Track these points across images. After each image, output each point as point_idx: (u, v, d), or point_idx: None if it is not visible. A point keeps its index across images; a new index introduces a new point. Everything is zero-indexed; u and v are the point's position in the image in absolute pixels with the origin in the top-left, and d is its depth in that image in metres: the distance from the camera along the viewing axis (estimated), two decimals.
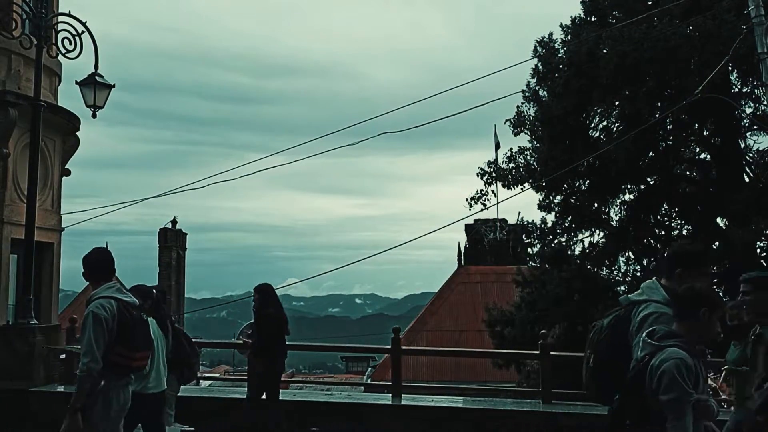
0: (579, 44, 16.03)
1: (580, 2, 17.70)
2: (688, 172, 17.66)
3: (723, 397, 9.01)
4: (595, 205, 17.40)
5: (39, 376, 9.05)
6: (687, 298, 3.55)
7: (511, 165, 18.38)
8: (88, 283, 5.11)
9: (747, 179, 16.09)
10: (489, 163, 19.58)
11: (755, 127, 15.90)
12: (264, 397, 8.20)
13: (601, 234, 17.58)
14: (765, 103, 16.02)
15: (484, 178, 19.39)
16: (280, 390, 8.61)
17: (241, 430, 8.54)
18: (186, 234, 33.07)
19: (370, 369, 33.06)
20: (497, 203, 21.67)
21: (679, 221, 17.41)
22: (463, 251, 32.20)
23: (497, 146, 30.19)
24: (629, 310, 4.12)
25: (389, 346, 9.60)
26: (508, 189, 18.27)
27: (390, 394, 9.23)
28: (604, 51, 15.61)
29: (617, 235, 16.97)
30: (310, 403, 9.05)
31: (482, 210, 20.28)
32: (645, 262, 16.81)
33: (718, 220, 16.30)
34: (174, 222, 31.92)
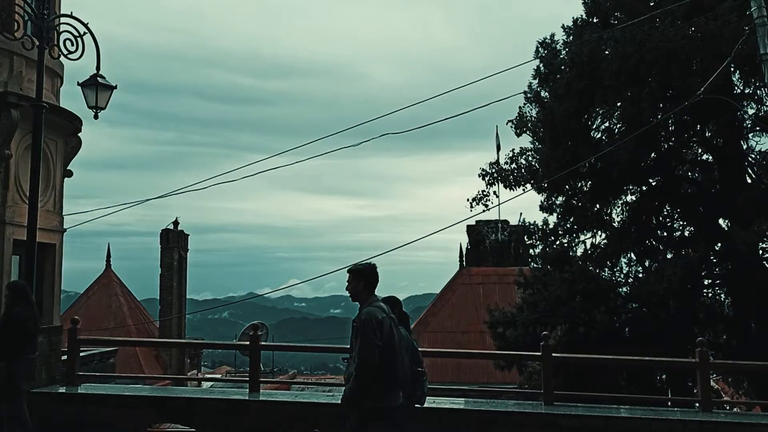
0: (581, 45, 16.01)
1: (582, 3, 17.68)
2: (690, 174, 17.63)
3: (726, 398, 9.02)
4: (597, 206, 17.37)
5: (41, 377, 9.06)
6: None
7: (513, 166, 18.36)
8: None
9: (749, 180, 16.07)
10: (491, 164, 19.59)
11: (757, 128, 15.88)
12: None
13: (603, 235, 17.56)
14: (767, 104, 16.00)
15: (486, 179, 19.41)
16: (281, 390, 8.60)
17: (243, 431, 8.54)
18: (188, 235, 33.10)
19: None
20: (499, 204, 21.67)
21: (681, 222, 17.38)
22: (464, 252, 32.19)
23: (499, 147, 30.24)
24: None
25: None
26: (509, 190, 18.27)
27: None
28: (606, 52, 15.59)
29: (619, 236, 16.95)
30: (312, 404, 9.04)
31: (484, 211, 20.29)
32: (647, 264, 16.78)
33: (721, 221, 16.27)
34: (176, 223, 31.95)
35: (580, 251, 17.51)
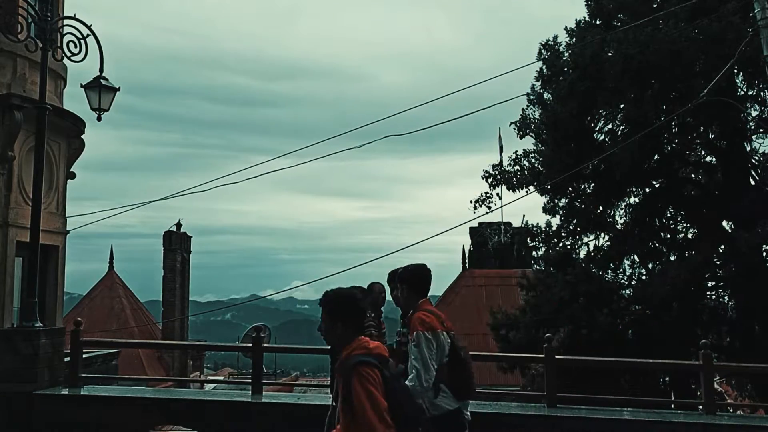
0: (584, 47, 16.00)
1: (585, 5, 17.68)
2: (693, 175, 17.61)
3: (729, 401, 8.98)
4: (600, 208, 17.35)
5: (43, 379, 9.06)
6: None
7: (516, 168, 18.36)
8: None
9: (753, 182, 16.05)
10: (494, 166, 19.59)
11: (761, 130, 15.86)
12: None
13: (606, 237, 17.53)
14: None
15: (489, 181, 19.42)
16: (283, 392, 8.58)
17: None
18: (191, 237, 33.13)
19: None
20: (502, 206, 21.69)
21: (684, 224, 17.35)
22: (467, 254, 32.19)
23: (501, 149, 30.26)
24: None
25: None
26: (512, 192, 18.25)
27: None
28: (609, 54, 15.58)
29: (622, 238, 16.92)
30: (314, 406, 9.02)
31: (487, 213, 20.28)
32: (650, 266, 16.75)
33: (724, 223, 16.23)
34: (179, 225, 31.98)
35: (583, 253, 17.49)
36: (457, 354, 5.01)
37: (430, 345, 4.80)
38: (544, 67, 17.36)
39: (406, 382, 4.68)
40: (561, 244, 17.55)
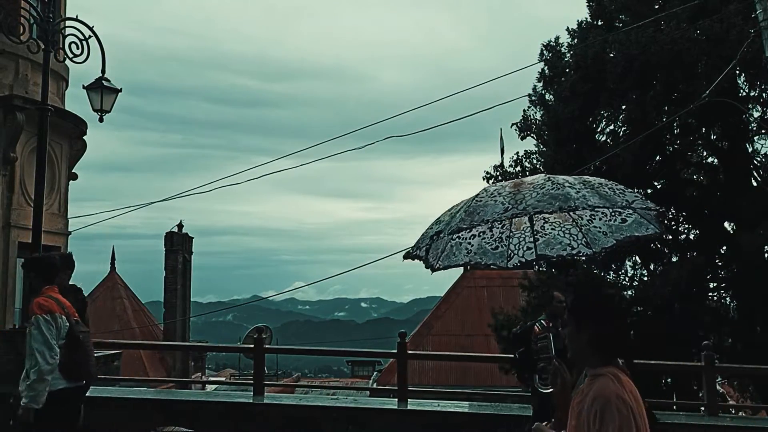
0: (585, 48, 16.00)
1: (587, 6, 17.67)
2: (695, 177, 17.59)
3: (731, 402, 8.97)
4: None
5: None
6: None
7: (518, 169, 18.35)
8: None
9: (755, 183, 16.03)
10: (495, 167, 19.59)
11: (763, 131, 15.84)
12: None
13: None
14: None
15: (490, 182, 19.40)
16: (285, 393, 8.58)
17: None
18: (192, 237, 33.13)
19: (375, 373, 33.04)
20: None
21: (686, 225, 17.33)
22: None
23: (503, 150, 30.23)
24: None
25: (395, 351, 9.59)
26: None
27: (396, 399, 9.21)
28: (611, 55, 15.57)
29: None
30: (316, 407, 9.03)
31: None
32: (652, 267, 16.73)
33: (726, 224, 16.20)
34: (180, 225, 31.99)
35: None
36: (75, 337, 5.48)
37: (49, 326, 5.33)
38: (545, 67, 17.37)
39: (30, 370, 5.35)
40: None
